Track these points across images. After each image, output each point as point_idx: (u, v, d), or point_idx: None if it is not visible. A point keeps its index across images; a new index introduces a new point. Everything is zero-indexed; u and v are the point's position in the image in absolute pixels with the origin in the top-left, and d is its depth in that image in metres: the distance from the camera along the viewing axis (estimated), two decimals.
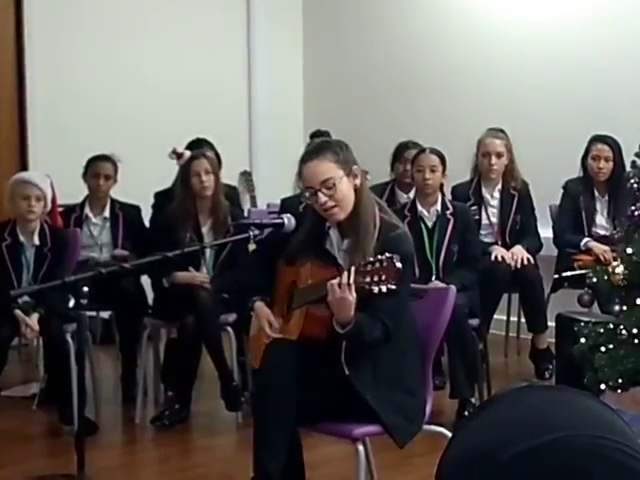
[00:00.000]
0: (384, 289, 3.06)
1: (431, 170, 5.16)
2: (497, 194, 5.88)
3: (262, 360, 3.45)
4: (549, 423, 0.84)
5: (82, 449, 3.55)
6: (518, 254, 5.64)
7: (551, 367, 5.66)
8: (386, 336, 3.30)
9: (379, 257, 3.08)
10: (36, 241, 5.10)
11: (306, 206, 3.63)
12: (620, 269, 4.22)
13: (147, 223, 5.95)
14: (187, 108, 7.62)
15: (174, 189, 5.46)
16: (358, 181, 3.44)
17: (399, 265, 3.03)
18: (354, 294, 3.14)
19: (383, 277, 3.05)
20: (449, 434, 3.37)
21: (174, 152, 5.67)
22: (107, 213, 5.86)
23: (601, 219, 5.93)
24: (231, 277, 5.16)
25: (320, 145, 3.53)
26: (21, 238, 5.11)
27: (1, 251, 5.06)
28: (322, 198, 3.38)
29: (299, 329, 3.44)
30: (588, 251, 5.73)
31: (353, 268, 3.16)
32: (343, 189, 3.39)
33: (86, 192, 5.88)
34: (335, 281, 3.15)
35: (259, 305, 3.62)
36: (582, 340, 4.29)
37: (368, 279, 3.09)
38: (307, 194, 3.44)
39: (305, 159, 3.45)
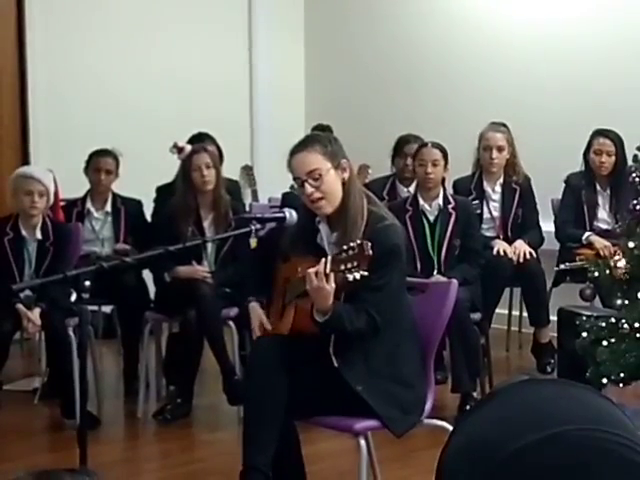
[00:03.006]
0: (357, 276, 3.07)
1: (433, 164, 5.16)
2: (499, 188, 5.87)
3: (250, 354, 3.47)
4: (550, 418, 0.84)
5: (84, 443, 3.54)
6: (520, 248, 5.64)
7: (553, 361, 5.66)
8: (372, 327, 3.31)
9: (351, 244, 3.08)
10: (38, 235, 5.10)
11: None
12: (622, 263, 4.22)
13: (149, 217, 5.96)
14: (189, 102, 7.62)
15: (176, 183, 5.46)
16: (346, 175, 3.45)
17: (369, 251, 3.04)
18: (332, 283, 3.14)
19: (355, 264, 3.06)
20: (451, 428, 3.37)
21: (175, 146, 5.67)
22: (109, 207, 5.86)
23: (603, 213, 5.93)
24: (232, 271, 5.16)
25: (309, 137, 3.60)
26: (23, 232, 5.11)
27: (3, 245, 5.06)
28: (308, 189, 3.39)
29: (289, 324, 3.45)
30: (590, 245, 5.73)
31: (330, 257, 3.17)
32: (330, 181, 3.40)
33: (88, 186, 5.88)
34: (312, 270, 3.16)
35: (252, 306, 3.73)
36: (584, 334, 4.29)
37: (343, 267, 3.09)
38: (295, 185, 3.48)
39: (294, 151, 3.49)
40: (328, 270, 3.13)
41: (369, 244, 3.05)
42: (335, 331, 3.31)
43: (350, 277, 3.08)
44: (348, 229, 3.36)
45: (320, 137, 3.57)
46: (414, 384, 3.43)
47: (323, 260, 3.16)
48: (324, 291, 3.16)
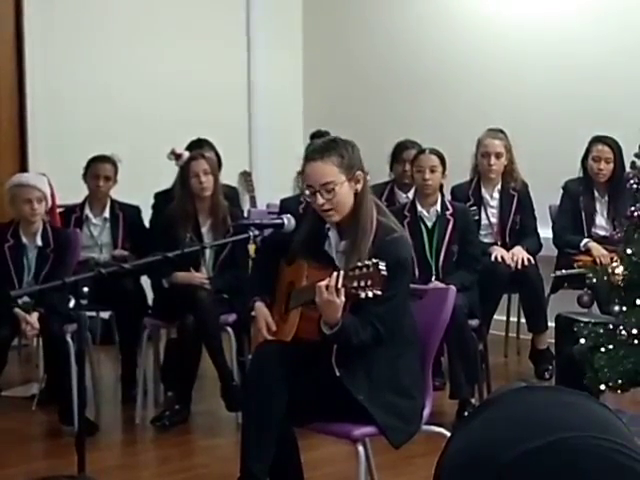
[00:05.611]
0: (370, 294, 3.08)
1: (431, 170, 5.16)
2: (497, 194, 5.88)
3: (251, 361, 3.46)
4: (549, 424, 0.84)
5: (82, 450, 3.54)
6: (518, 254, 5.64)
7: (551, 367, 5.66)
8: (376, 339, 3.31)
9: (366, 262, 3.09)
10: (39, 242, 5.11)
11: (307, 206, 3.64)
12: (620, 269, 4.22)
13: (147, 223, 5.96)
14: (187, 108, 7.62)
15: (174, 190, 5.47)
16: (360, 186, 3.44)
17: (384, 272, 3.04)
18: (342, 298, 3.15)
19: (369, 282, 3.07)
20: (449, 434, 3.37)
21: (173, 153, 5.67)
22: (107, 214, 5.86)
23: (601, 220, 5.93)
24: (230, 277, 5.17)
25: (327, 145, 3.46)
26: (24, 240, 5.11)
27: (3, 252, 5.07)
28: (320, 200, 3.39)
29: (294, 330, 3.44)
30: (588, 251, 5.73)
31: (342, 272, 3.16)
32: (343, 194, 3.39)
33: (86, 192, 5.88)
34: (323, 283, 3.16)
35: (259, 305, 3.63)
36: (582, 340, 4.29)
37: (355, 284, 3.10)
38: (307, 192, 3.46)
39: (309, 158, 3.44)
40: (340, 285, 3.13)
41: (384, 264, 3.05)
42: (340, 343, 3.31)
43: (362, 294, 3.09)
44: (358, 239, 3.35)
45: (338, 145, 3.44)
46: (414, 395, 3.43)
47: (335, 274, 3.16)
48: (334, 305, 3.15)
